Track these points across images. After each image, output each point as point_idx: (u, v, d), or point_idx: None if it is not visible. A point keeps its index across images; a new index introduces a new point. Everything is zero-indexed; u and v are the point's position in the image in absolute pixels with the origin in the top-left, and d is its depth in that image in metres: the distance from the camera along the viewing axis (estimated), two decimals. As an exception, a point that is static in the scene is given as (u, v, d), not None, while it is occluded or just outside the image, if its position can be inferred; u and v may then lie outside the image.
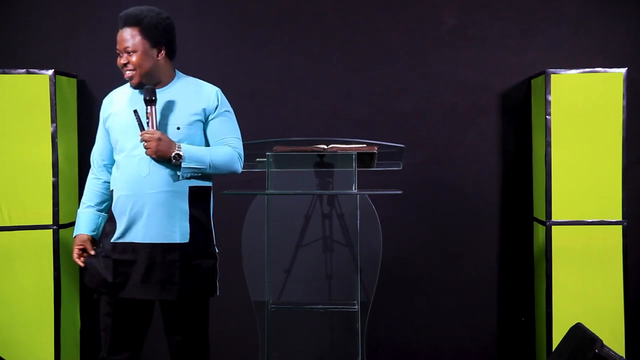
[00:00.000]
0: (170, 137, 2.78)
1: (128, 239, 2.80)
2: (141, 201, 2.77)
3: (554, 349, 3.42)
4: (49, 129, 3.80)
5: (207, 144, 2.90)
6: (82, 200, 3.00)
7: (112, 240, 2.81)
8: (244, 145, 2.96)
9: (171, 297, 2.80)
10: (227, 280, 4.00)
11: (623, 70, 3.79)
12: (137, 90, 2.87)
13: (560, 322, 3.73)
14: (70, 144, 4.01)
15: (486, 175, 4.17)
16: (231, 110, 2.97)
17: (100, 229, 2.95)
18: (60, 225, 3.85)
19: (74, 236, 2.96)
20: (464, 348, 4.21)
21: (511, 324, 4.19)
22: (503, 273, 4.19)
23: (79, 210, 2.99)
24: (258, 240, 3.62)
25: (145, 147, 2.75)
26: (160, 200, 2.78)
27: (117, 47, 2.84)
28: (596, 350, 2.67)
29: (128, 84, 2.94)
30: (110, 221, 2.85)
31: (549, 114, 3.79)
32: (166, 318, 2.90)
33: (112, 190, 2.87)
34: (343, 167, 3.43)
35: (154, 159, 2.77)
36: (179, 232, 2.80)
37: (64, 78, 3.92)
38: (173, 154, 2.75)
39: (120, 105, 2.90)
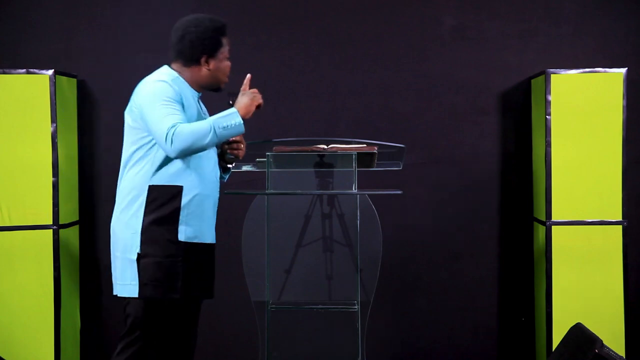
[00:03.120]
0: None
1: (201, 239, 2.75)
2: (214, 202, 2.84)
3: (554, 349, 3.42)
4: (49, 129, 3.80)
5: None
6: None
7: (182, 240, 2.69)
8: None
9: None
10: (227, 280, 4.01)
11: (623, 70, 3.79)
12: (194, 91, 2.82)
13: (560, 322, 3.72)
14: (70, 144, 4.00)
15: (486, 175, 4.17)
16: None
17: None
18: (60, 225, 3.85)
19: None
20: (464, 348, 4.21)
21: (511, 324, 4.19)
22: (503, 273, 4.18)
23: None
24: (258, 240, 3.62)
25: (239, 150, 2.87)
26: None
27: (228, 51, 2.92)
28: (596, 350, 2.67)
29: (167, 76, 2.73)
30: (175, 219, 2.69)
31: (549, 114, 3.79)
32: (195, 317, 2.90)
33: (181, 187, 2.70)
34: (343, 167, 3.42)
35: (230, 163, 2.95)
36: None
37: (64, 78, 3.92)
38: None
39: (187, 100, 2.75)
